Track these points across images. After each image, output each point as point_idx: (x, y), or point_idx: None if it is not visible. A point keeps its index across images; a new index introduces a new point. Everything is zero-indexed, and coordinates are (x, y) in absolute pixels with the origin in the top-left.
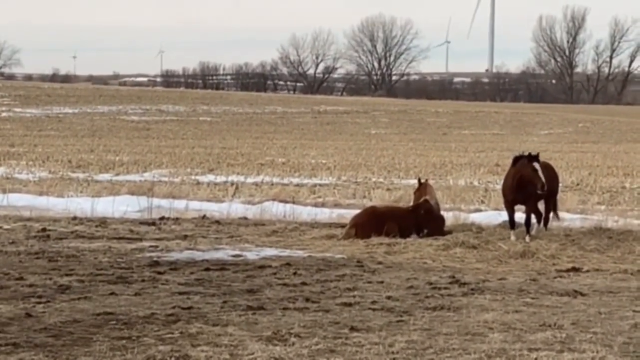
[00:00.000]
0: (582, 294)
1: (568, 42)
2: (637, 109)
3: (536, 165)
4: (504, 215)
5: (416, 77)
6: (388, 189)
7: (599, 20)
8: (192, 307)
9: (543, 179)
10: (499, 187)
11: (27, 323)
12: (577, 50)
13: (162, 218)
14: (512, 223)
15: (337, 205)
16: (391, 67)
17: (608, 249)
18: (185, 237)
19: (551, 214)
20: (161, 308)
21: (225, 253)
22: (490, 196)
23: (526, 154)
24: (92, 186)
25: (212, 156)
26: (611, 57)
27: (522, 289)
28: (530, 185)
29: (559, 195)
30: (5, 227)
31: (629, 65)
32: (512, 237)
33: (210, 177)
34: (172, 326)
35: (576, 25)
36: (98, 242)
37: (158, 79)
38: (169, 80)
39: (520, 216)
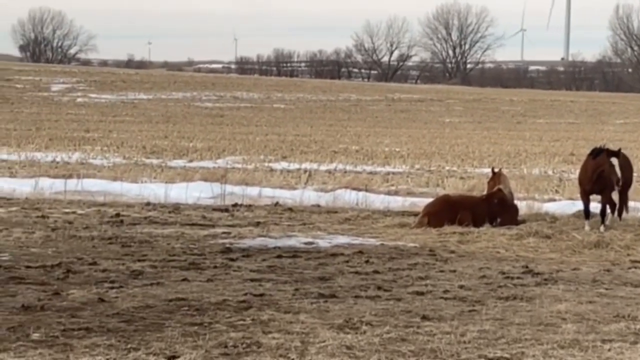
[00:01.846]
0: None
1: None
2: None
3: (614, 160)
4: (578, 205)
5: (491, 65)
6: (462, 178)
7: None
8: (264, 294)
9: (619, 174)
10: (574, 176)
11: (100, 308)
12: None
13: (234, 205)
14: (587, 213)
15: (410, 193)
16: (466, 55)
17: None
18: (258, 224)
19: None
20: (233, 295)
21: (297, 240)
22: (564, 186)
23: (606, 147)
24: (166, 172)
25: (286, 143)
26: None
27: (596, 279)
28: (608, 180)
29: (634, 186)
30: (80, 212)
31: None
32: (587, 227)
33: (284, 164)
34: (244, 313)
35: None
36: (171, 228)
37: (232, 66)
38: (243, 67)
39: (595, 206)
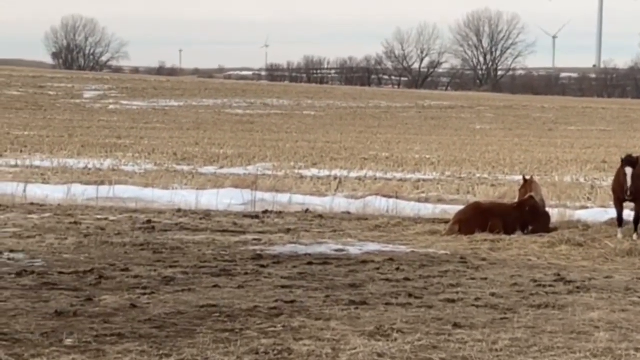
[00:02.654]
0: None
1: None
2: None
3: (627, 170)
4: (610, 213)
5: (522, 72)
6: (492, 185)
7: None
8: (295, 301)
9: (629, 184)
10: (606, 184)
11: (132, 314)
12: None
13: (265, 211)
14: (620, 221)
15: (440, 200)
16: (497, 62)
17: None
18: (289, 230)
19: None
20: (264, 301)
21: (328, 247)
22: (596, 193)
23: (630, 155)
24: (197, 179)
25: (316, 150)
26: None
27: (628, 287)
28: (617, 190)
29: None
30: (112, 218)
31: None
32: (619, 235)
33: (314, 171)
34: (275, 320)
35: None
36: (202, 234)
37: (263, 73)
38: (274, 74)
39: (628, 214)
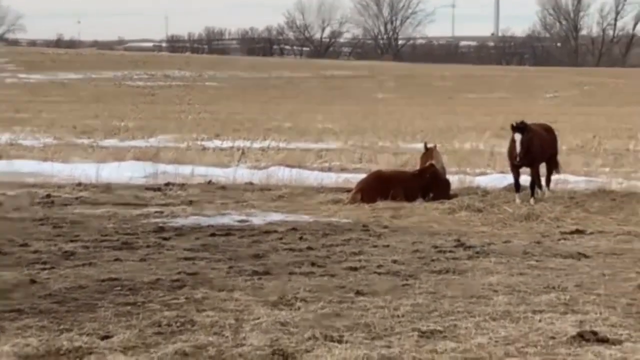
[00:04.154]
0: (585, 256)
1: (573, 5)
2: None
3: (517, 136)
4: (508, 178)
5: (422, 41)
6: (394, 154)
7: None
8: (198, 273)
9: (518, 149)
10: (505, 150)
11: (31, 289)
12: (581, 13)
13: (167, 184)
14: (517, 186)
15: (343, 169)
16: (397, 31)
17: (612, 211)
18: (191, 202)
19: (553, 174)
20: (166, 274)
21: (231, 218)
22: (495, 159)
23: (520, 123)
24: (97, 152)
25: (218, 121)
26: (615, 20)
27: (526, 251)
28: (535, 153)
29: (564, 158)
30: (10, 193)
31: (633, 28)
32: (517, 200)
33: (216, 143)
34: (178, 292)
35: None
36: (103, 208)
37: (163, 44)
38: (175, 45)
39: (525, 179)
